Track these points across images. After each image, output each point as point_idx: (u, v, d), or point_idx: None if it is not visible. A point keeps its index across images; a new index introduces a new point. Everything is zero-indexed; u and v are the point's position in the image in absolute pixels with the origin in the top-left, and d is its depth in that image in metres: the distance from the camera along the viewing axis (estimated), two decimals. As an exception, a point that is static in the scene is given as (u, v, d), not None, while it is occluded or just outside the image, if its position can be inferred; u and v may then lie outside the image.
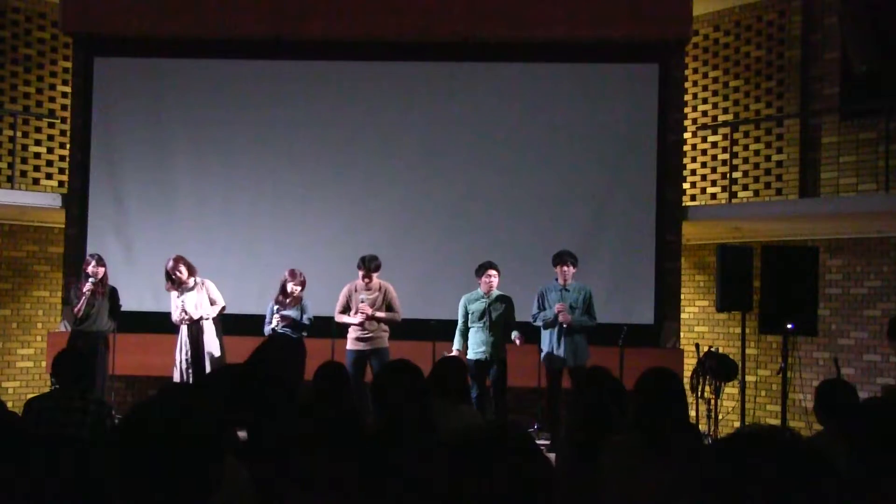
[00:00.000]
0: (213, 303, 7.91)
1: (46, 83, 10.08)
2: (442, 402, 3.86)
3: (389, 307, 7.78)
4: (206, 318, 7.80)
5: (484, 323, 7.65)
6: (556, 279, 7.73)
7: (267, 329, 7.72)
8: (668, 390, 3.33)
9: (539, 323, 7.71)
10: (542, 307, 7.73)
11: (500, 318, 7.66)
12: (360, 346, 7.70)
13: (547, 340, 7.66)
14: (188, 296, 7.84)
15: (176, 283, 7.86)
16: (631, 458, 3.17)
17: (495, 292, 7.74)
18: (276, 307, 7.79)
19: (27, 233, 9.87)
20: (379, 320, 7.70)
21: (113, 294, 7.96)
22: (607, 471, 3.24)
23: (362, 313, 7.65)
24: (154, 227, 9.20)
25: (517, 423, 7.86)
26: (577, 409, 3.83)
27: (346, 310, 7.83)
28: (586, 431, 3.59)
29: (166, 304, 8.05)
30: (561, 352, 7.56)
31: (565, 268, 7.66)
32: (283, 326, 7.68)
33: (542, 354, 7.69)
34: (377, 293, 7.77)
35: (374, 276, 7.75)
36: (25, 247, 9.87)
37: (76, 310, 7.79)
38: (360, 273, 7.75)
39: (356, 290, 7.80)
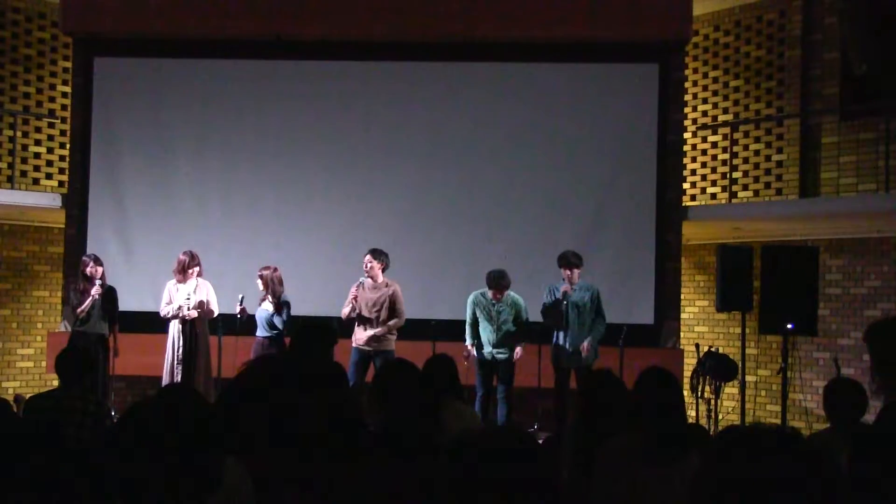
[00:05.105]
0: (208, 305, 7.93)
1: (46, 83, 10.07)
2: (431, 398, 3.86)
3: (393, 307, 7.69)
4: (195, 315, 7.82)
5: (491, 322, 7.66)
6: (563, 280, 7.72)
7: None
8: (664, 393, 3.32)
9: (545, 302, 7.65)
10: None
11: (507, 318, 7.64)
12: (366, 346, 7.65)
13: (555, 337, 7.65)
14: (183, 289, 7.87)
15: (184, 278, 7.87)
16: (626, 461, 3.17)
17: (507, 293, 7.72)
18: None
19: (27, 233, 9.88)
20: (381, 333, 7.61)
21: (111, 294, 7.95)
22: (601, 473, 3.23)
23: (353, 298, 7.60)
24: (154, 227, 9.19)
25: (518, 423, 7.86)
26: (579, 414, 3.81)
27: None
28: (587, 436, 3.58)
29: (166, 303, 8.05)
30: (567, 347, 7.55)
31: (568, 271, 7.63)
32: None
33: (552, 351, 7.69)
34: (383, 291, 7.71)
35: (378, 267, 7.69)
36: (25, 247, 9.87)
37: (80, 310, 7.77)
38: (365, 258, 7.69)
39: (363, 289, 7.70)
